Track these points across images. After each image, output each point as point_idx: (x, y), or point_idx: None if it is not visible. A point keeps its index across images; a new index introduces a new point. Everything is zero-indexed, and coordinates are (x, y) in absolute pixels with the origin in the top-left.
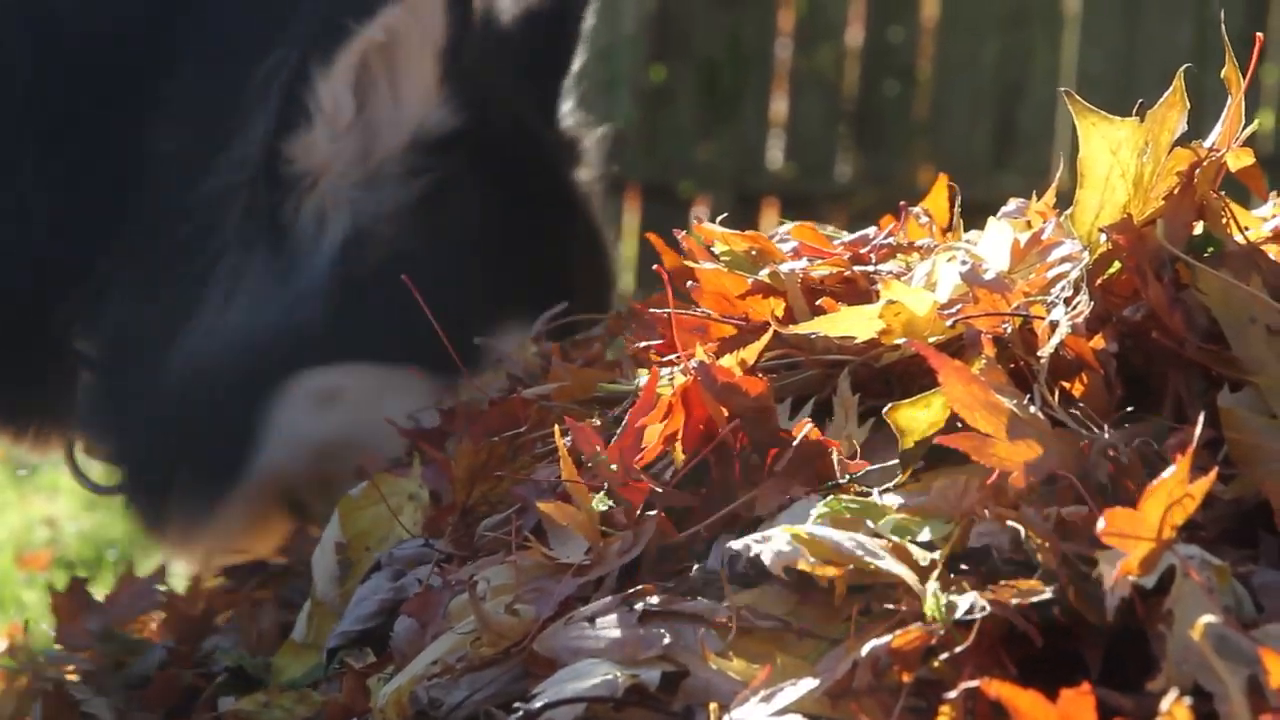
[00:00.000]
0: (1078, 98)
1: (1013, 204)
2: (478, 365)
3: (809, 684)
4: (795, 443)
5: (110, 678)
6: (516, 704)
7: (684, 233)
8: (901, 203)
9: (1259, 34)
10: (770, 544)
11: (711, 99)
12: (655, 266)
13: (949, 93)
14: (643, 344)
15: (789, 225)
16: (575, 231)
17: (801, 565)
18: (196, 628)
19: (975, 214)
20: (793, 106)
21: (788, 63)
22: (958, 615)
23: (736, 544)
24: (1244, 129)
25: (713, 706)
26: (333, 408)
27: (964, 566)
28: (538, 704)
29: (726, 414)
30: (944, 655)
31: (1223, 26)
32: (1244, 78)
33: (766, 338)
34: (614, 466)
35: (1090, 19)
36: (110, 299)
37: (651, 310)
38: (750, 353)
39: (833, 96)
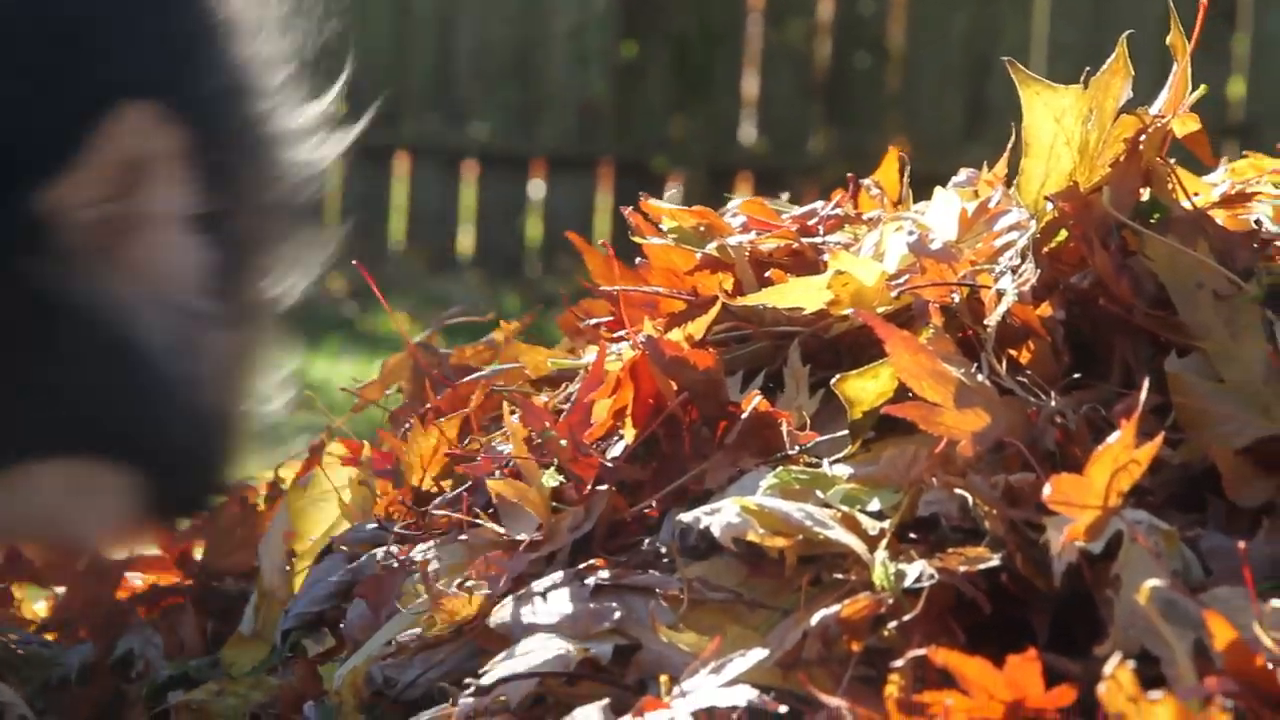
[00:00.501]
0: (1020, 66)
1: (963, 174)
2: None
3: (759, 654)
4: (745, 415)
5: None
6: (469, 680)
7: (630, 209)
8: (849, 175)
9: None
10: (720, 516)
11: (683, 75)
12: (602, 242)
13: (920, 66)
14: (592, 321)
15: (738, 200)
16: None
17: (751, 537)
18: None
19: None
20: (764, 82)
21: (759, 38)
22: (906, 584)
23: (687, 517)
24: (1191, 94)
25: (664, 679)
26: None
27: (913, 535)
28: (490, 680)
29: (675, 388)
30: (893, 624)
31: None
32: (1189, 43)
33: (715, 311)
34: (563, 442)
35: None
36: None
37: (600, 288)
38: (698, 326)
39: (804, 71)
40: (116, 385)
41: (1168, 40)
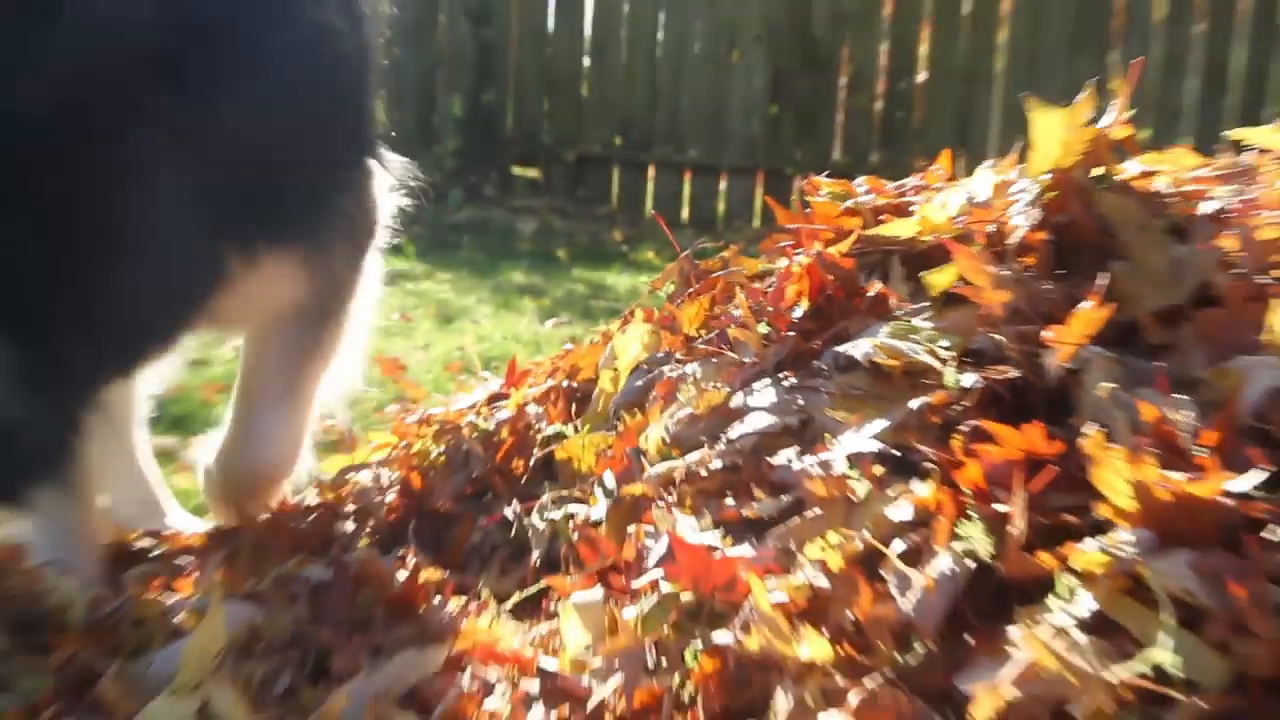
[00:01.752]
0: (1034, 99)
1: (989, 162)
2: None
3: (881, 424)
4: (871, 294)
5: None
6: (721, 435)
7: (804, 181)
8: (919, 161)
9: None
10: (858, 347)
11: (801, 123)
12: (777, 208)
13: (930, 118)
14: (782, 244)
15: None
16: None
17: (877, 359)
18: None
19: None
20: (846, 124)
21: (844, 101)
22: (965, 384)
23: (839, 349)
24: (1125, 115)
25: (826, 435)
26: None
27: (967, 360)
28: (734, 435)
29: (831, 279)
30: (956, 407)
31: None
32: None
33: (853, 238)
34: (769, 308)
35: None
36: None
37: (789, 225)
38: (843, 246)
39: (868, 119)
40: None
41: (1112, 86)
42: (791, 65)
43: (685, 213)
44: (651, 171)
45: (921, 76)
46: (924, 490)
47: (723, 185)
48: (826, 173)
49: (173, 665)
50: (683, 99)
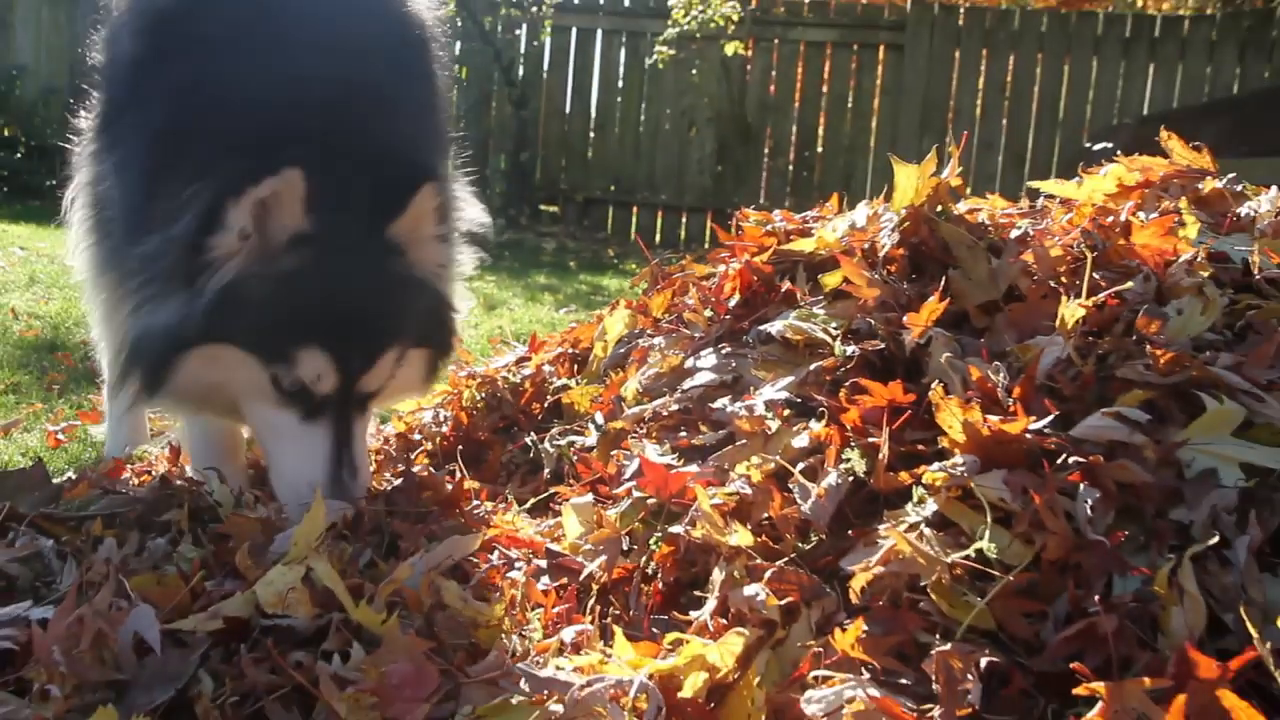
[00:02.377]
0: (896, 157)
1: (866, 201)
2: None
3: (788, 380)
4: (783, 290)
5: None
6: (676, 386)
7: (735, 214)
8: (817, 197)
9: (964, 135)
10: (774, 326)
11: (739, 176)
12: (720, 232)
13: (826, 175)
14: (722, 255)
15: (779, 211)
16: (371, 306)
17: (787, 334)
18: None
19: None
20: (767, 178)
21: (768, 164)
22: (848, 352)
23: (761, 327)
24: (958, 170)
25: (751, 388)
26: (212, 364)
27: (850, 336)
28: (686, 386)
29: (756, 279)
30: (841, 369)
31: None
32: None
33: (769, 251)
34: (712, 299)
35: (883, 146)
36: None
37: (727, 242)
38: (764, 256)
39: (784, 176)
40: (427, 306)
41: (949, 148)
42: (731, 139)
43: (659, 238)
44: (635, 210)
45: (820, 148)
46: (818, 426)
47: (684, 219)
48: (754, 208)
49: (287, 544)
50: (657, 160)
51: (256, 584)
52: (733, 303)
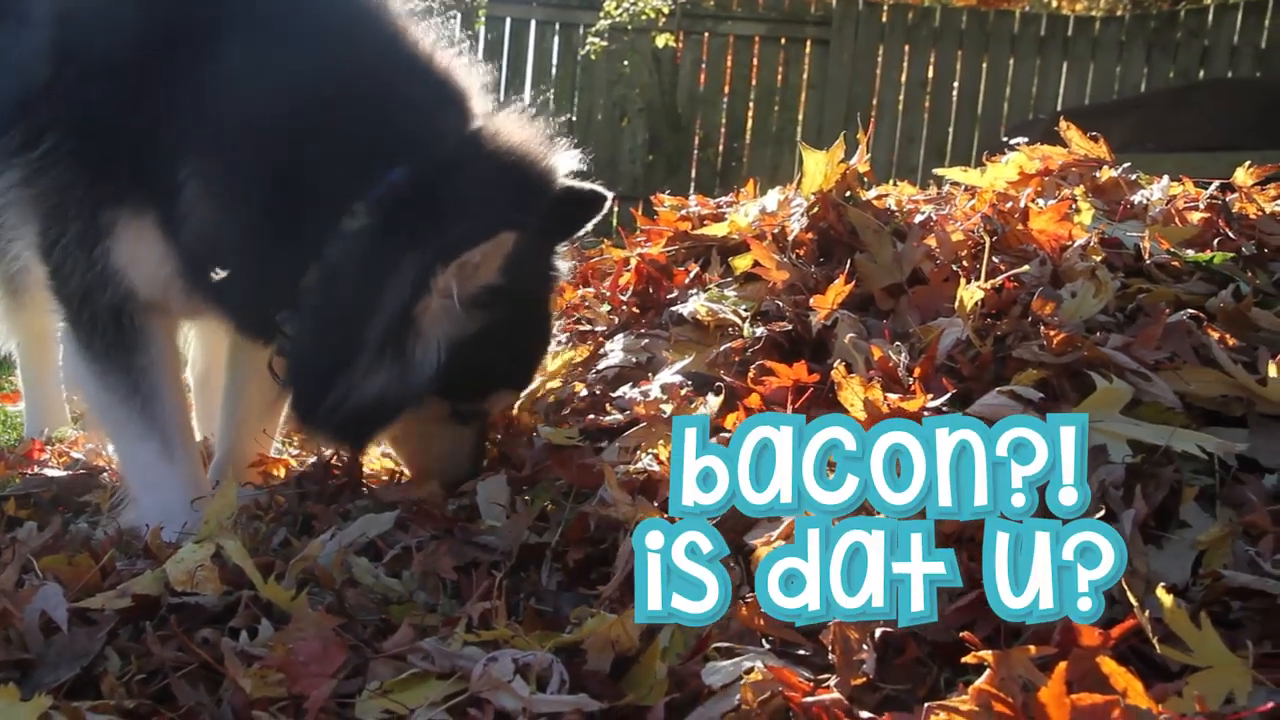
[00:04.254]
0: (808, 145)
1: (776, 189)
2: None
3: (684, 362)
4: (690, 275)
5: None
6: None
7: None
8: (735, 187)
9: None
10: (687, 307)
11: (670, 168)
12: (638, 216)
13: (754, 162)
14: (638, 239)
15: (694, 197)
16: (547, 336)
17: (698, 315)
18: None
19: None
20: (697, 171)
21: (697, 156)
22: (757, 334)
23: (673, 309)
24: (865, 157)
25: (657, 372)
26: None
27: (759, 317)
28: (601, 367)
29: (652, 270)
30: (750, 350)
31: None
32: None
33: (663, 242)
34: (607, 293)
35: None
36: (295, 315)
37: (645, 227)
38: (658, 247)
39: (712, 166)
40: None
41: (859, 135)
42: (662, 129)
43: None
44: None
45: (748, 139)
46: (715, 403)
47: (615, 207)
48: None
49: (199, 521)
50: (590, 149)
51: (166, 562)
52: (627, 295)
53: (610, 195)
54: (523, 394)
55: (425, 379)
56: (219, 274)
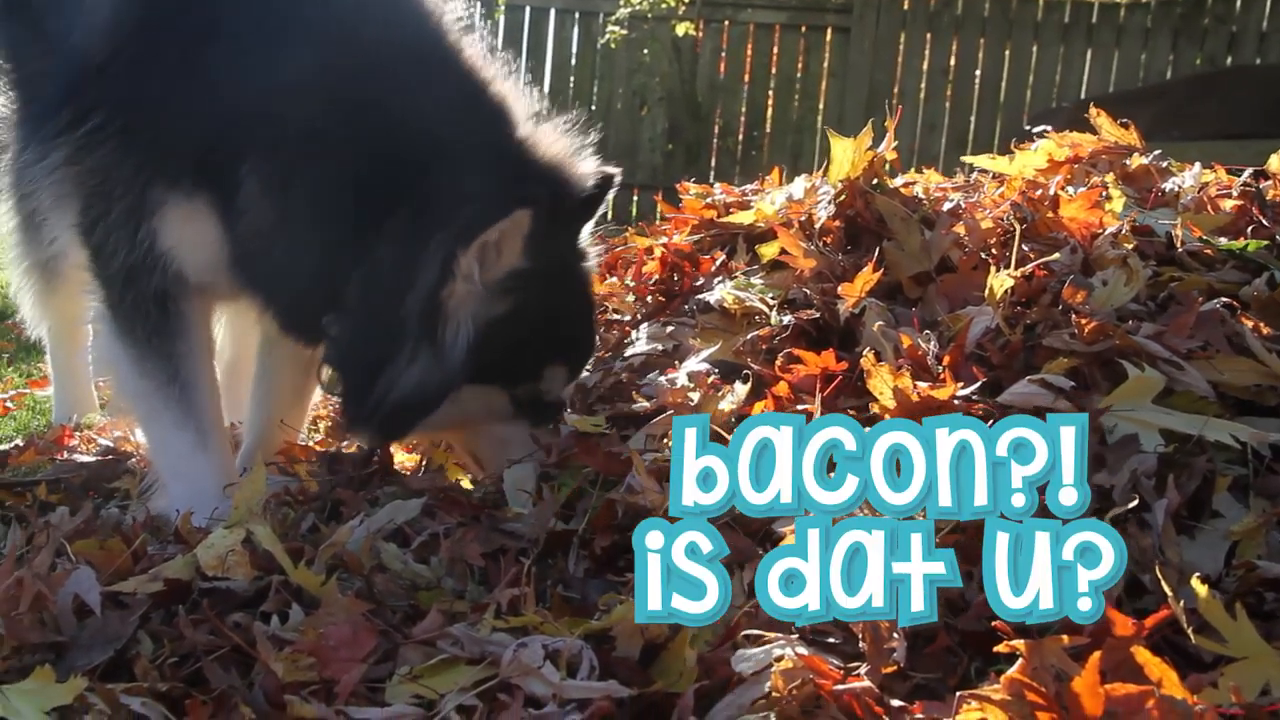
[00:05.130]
0: (833, 131)
1: (802, 176)
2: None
3: (710, 350)
4: (718, 263)
5: None
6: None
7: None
8: (760, 174)
9: (899, 110)
10: (713, 295)
11: (689, 158)
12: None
13: (775, 152)
14: (663, 227)
15: (719, 184)
16: (589, 313)
17: (725, 303)
18: None
19: None
20: (716, 160)
21: (718, 145)
22: (784, 321)
23: (699, 296)
24: (894, 144)
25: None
26: (455, 404)
27: (786, 305)
28: (629, 353)
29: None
30: (778, 338)
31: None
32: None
33: (687, 230)
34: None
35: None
36: (340, 315)
37: (670, 215)
38: (697, 231)
39: (733, 154)
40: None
41: (885, 123)
42: (682, 118)
43: (610, 215)
44: None
45: (768, 128)
46: (743, 389)
47: (636, 196)
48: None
49: (229, 509)
50: (609, 138)
51: (197, 547)
52: (653, 282)
53: (617, 172)
54: (581, 373)
55: (458, 362)
56: (332, 326)
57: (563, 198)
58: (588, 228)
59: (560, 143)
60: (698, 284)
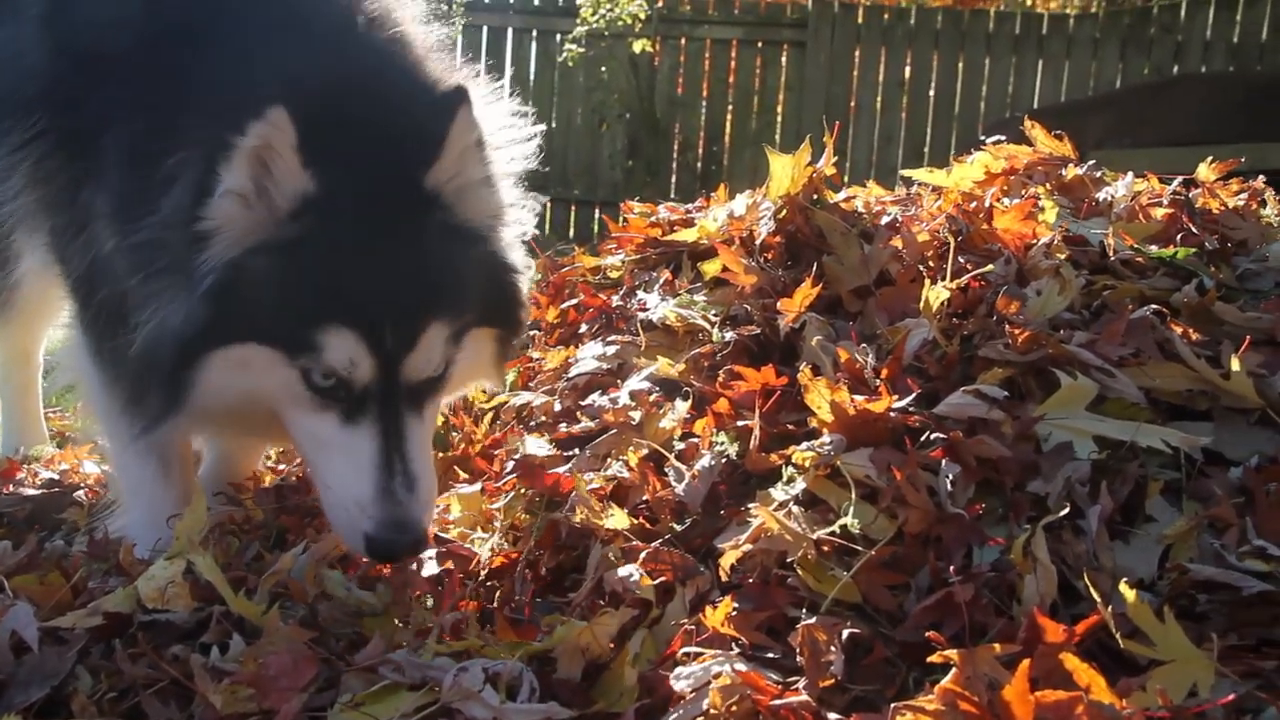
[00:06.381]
0: (772, 149)
1: (746, 193)
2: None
3: (651, 369)
4: (661, 281)
5: None
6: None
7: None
8: (701, 193)
9: (836, 125)
10: (654, 313)
11: (649, 175)
12: (609, 223)
13: (734, 167)
14: (610, 246)
15: (666, 204)
16: (424, 249)
17: (668, 320)
18: None
19: None
20: (677, 178)
21: (675, 162)
22: (726, 338)
23: (641, 315)
24: (832, 160)
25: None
26: (233, 369)
27: (729, 324)
28: (570, 376)
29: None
30: (719, 355)
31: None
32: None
33: (652, 245)
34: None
35: (789, 141)
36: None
37: (616, 234)
38: (642, 249)
39: (693, 171)
40: (483, 271)
41: (824, 139)
42: (641, 135)
43: (572, 232)
44: (549, 204)
45: (727, 142)
46: (684, 408)
47: (597, 213)
48: (671, 201)
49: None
50: (569, 155)
51: (138, 579)
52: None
53: (468, 100)
54: (402, 353)
55: (212, 296)
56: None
57: (379, 110)
58: (452, 161)
59: (431, 69)
60: (617, 305)
